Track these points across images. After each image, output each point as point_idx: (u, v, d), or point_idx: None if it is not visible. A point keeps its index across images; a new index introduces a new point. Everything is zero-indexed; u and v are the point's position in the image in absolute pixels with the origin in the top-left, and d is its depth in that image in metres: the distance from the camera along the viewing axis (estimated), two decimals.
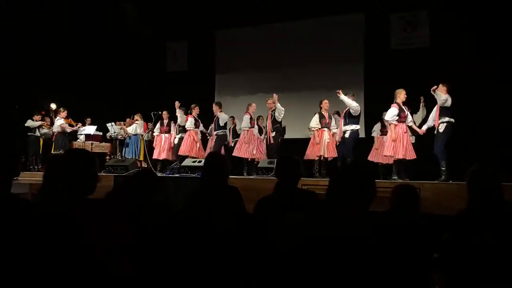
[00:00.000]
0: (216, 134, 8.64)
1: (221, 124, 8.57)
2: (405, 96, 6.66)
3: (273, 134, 8.09)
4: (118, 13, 10.54)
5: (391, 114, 6.60)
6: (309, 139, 7.81)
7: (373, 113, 8.44)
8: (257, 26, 10.61)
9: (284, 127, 8.65)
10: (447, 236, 2.24)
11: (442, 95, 6.23)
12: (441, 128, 6.36)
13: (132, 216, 2.35)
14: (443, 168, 6.20)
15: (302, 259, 1.68)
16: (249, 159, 8.40)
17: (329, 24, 10.01)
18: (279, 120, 8.11)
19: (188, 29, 10.95)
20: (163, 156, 9.29)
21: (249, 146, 8.35)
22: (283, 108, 8.03)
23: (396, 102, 6.63)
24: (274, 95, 7.97)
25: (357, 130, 7.24)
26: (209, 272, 2.60)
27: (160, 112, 9.32)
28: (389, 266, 1.87)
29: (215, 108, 8.64)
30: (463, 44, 8.06)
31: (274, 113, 8.09)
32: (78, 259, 1.68)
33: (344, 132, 7.24)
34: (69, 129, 9.61)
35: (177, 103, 8.65)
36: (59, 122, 9.47)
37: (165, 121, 9.47)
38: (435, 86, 6.30)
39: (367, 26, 9.62)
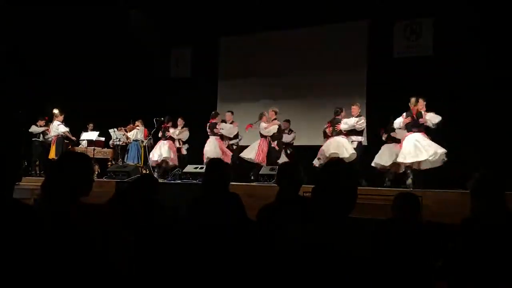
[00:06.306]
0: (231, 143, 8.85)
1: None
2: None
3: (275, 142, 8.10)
4: (123, 19, 10.59)
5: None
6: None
7: (375, 121, 8.42)
8: (260, 33, 10.62)
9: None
10: (451, 245, 2.23)
11: (435, 119, 6.50)
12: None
13: (135, 218, 2.34)
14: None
15: (302, 266, 1.66)
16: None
17: (333, 31, 9.99)
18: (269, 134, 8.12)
19: (192, 35, 10.98)
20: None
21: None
22: (268, 130, 8.05)
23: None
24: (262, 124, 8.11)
25: (361, 141, 7.47)
26: (211, 276, 2.59)
27: (162, 119, 9.30)
28: (392, 273, 1.86)
29: (228, 116, 8.78)
30: (466, 53, 8.05)
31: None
32: (78, 262, 1.68)
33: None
34: (72, 138, 9.65)
35: None
36: (62, 128, 9.46)
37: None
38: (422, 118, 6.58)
39: (370, 33, 9.62)
